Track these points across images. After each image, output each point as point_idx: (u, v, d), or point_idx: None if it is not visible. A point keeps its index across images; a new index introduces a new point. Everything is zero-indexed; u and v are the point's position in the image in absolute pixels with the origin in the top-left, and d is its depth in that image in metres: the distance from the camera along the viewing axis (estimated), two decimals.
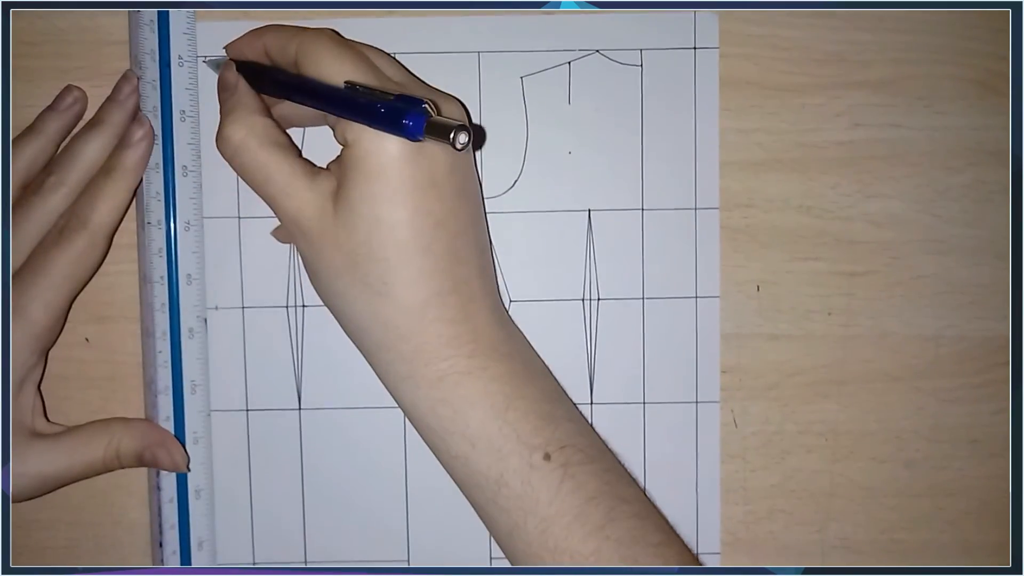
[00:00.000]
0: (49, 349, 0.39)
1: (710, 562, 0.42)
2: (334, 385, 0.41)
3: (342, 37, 0.36)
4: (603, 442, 0.38)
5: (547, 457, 0.35)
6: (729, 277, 0.41)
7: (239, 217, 0.41)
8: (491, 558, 0.42)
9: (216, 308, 0.41)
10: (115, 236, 0.39)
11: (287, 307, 0.41)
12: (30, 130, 0.39)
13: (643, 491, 0.37)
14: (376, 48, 0.38)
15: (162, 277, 0.39)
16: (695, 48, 0.40)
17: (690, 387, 0.41)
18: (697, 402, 0.41)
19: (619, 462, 0.37)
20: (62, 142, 0.39)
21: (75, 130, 0.39)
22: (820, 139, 0.41)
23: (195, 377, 0.40)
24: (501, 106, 0.41)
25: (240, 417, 0.41)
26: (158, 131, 0.39)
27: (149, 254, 0.39)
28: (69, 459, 0.38)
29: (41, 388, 0.39)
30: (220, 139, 0.36)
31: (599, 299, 0.41)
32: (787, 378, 0.42)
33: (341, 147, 0.35)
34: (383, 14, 0.40)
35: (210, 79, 0.40)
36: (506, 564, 0.36)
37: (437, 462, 0.36)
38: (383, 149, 0.33)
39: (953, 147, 0.41)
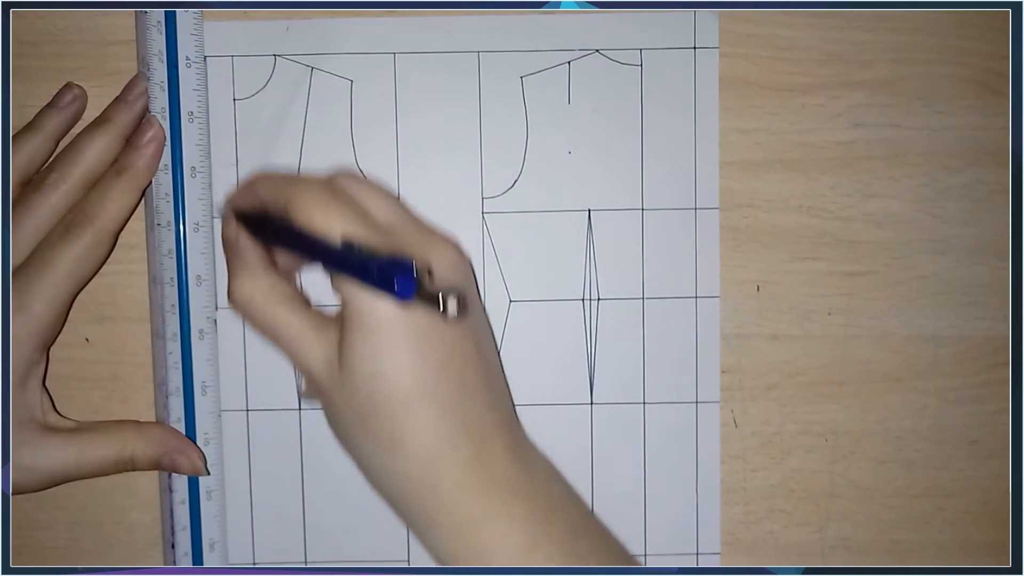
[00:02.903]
0: (50, 345, 0.39)
1: (710, 562, 0.42)
2: None
3: (332, 185, 0.35)
4: (631, 559, 0.39)
5: None
6: (729, 277, 0.41)
7: None
8: None
9: (217, 308, 0.41)
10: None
11: None
12: (29, 127, 0.39)
13: None
14: (371, 185, 0.36)
15: (172, 278, 0.39)
16: (695, 48, 0.40)
17: (690, 387, 0.41)
18: (697, 402, 0.41)
19: None
20: (61, 139, 0.39)
21: (79, 129, 0.39)
22: (820, 139, 0.41)
23: (205, 378, 0.40)
24: (501, 106, 0.41)
25: (240, 417, 0.42)
26: (166, 133, 0.39)
27: (159, 255, 0.39)
28: (80, 456, 0.38)
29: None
30: (229, 299, 0.36)
31: (599, 299, 0.41)
32: (787, 378, 0.42)
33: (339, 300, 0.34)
34: (383, 14, 0.40)
35: (218, 79, 0.40)
36: None
37: None
38: (377, 305, 0.33)
39: (953, 147, 0.41)
